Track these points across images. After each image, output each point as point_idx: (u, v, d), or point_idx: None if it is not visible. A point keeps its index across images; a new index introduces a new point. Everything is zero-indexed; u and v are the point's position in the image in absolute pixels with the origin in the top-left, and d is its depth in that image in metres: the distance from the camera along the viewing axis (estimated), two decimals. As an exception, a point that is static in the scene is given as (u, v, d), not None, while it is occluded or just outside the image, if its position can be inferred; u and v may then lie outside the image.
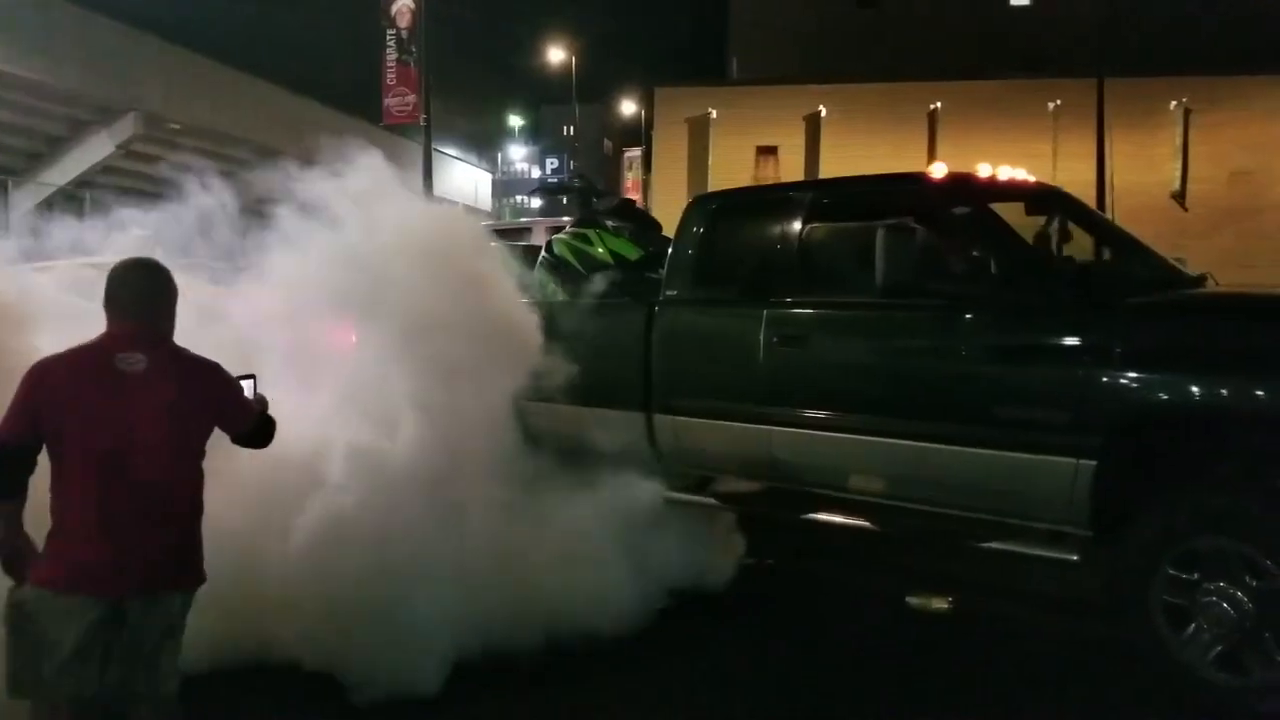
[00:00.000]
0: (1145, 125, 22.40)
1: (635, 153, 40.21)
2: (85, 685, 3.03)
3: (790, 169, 27.17)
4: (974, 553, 5.04)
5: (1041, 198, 5.87)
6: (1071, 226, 5.78)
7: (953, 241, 5.10)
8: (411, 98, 22.81)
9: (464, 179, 49.41)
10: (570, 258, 6.65)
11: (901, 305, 4.94)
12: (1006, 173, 5.47)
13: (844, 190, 5.99)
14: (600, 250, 6.64)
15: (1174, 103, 22.36)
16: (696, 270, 5.85)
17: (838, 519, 5.41)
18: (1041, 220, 5.87)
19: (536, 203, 69.09)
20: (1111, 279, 5.14)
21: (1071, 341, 4.57)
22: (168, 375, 3.15)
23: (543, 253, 6.91)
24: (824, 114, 26.44)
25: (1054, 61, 24.57)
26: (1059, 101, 22.44)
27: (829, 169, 26.72)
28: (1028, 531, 4.82)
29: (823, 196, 5.62)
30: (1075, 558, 4.66)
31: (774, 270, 5.55)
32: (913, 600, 5.81)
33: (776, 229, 5.59)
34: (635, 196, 37.76)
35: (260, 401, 3.52)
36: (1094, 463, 4.42)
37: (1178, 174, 21.64)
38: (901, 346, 5.09)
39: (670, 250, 6.02)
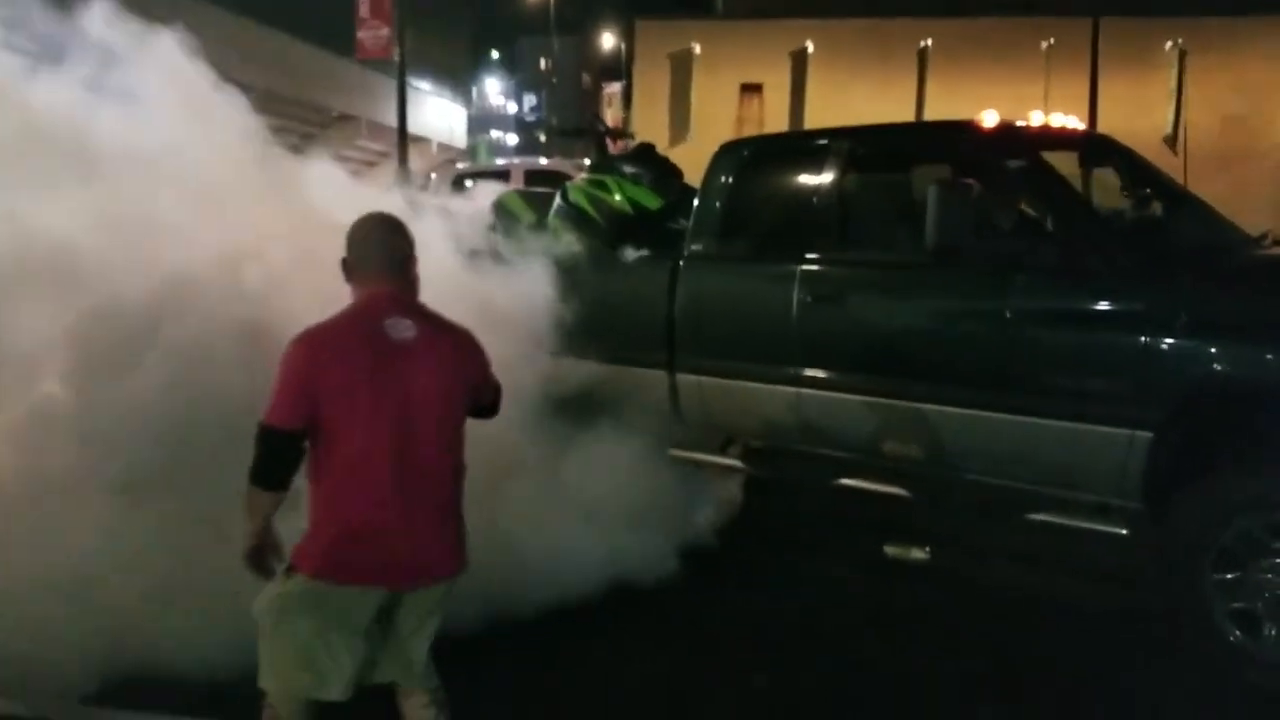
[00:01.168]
0: (1139, 67, 22.11)
1: (615, 88, 39.60)
2: (349, 679, 2.82)
3: (775, 108, 26.72)
4: (1015, 524, 4.87)
5: (1095, 148, 5.59)
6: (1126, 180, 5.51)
7: (1005, 197, 4.83)
8: (385, 31, 22.13)
9: (438, 114, 48.38)
10: (586, 206, 6.33)
11: (949, 266, 4.69)
12: (1059, 120, 5.19)
13: (886, 138, 5.68)
14: (618, 199, 6.32)
15: (1169, 44, 22.04)
16: (725, 224, 5.56)
17: (869, 486, 5.21)
18: (1093, 172, 5.61)
19: (513, 139, 68.12)
20: (1171, 239, 4.90)
21: (1131, 308, 4.34)
22: (435, 343, 2.85)
23: (557, 200, 6.59)
24: (811, 50, 25.92)
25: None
26: (1052, 41, 22.09)
27: (815, 108, 26.31)
28: (1074, 504, 4.64)
29: (863, 145, 5.32)
30: (1125, 532, 4.49)
31: (809, 224, 5.27)
32: (890, 550, 5.62)
33: (812, 180, 5.30)
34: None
35: None
36: (1150, 435, 4.23)
37: (1171, 118, 21.38)
38: (948, 309, 4.83)
39: (697, 202, 5.72)
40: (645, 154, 6.84)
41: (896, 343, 4.94)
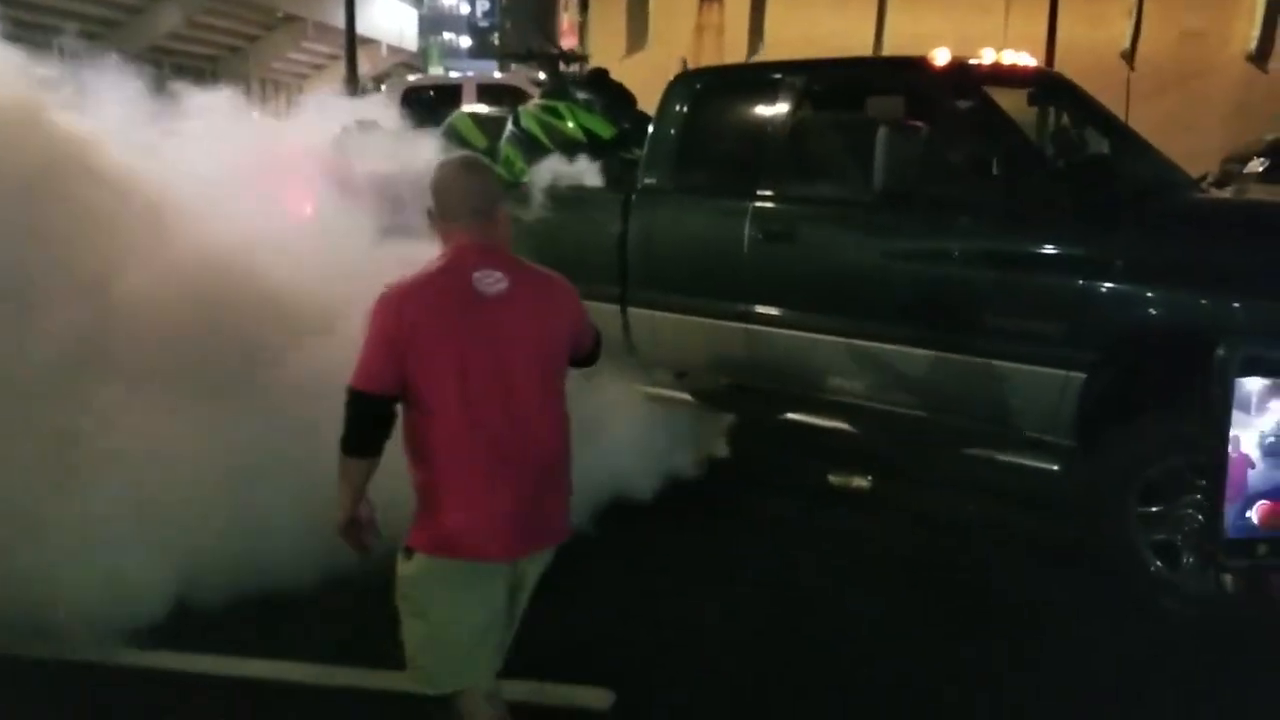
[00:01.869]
0: (1097, -20, 22.02)
1: (571, -8, 38.61)
2: (489, 663, 2.71)
3: (735, 17, 26.34)
4: (954, 457, 5.05)
5: (1046, 87, 5.64)
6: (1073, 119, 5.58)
7: (952, 137, 4.89)
8: (335, -68, 21.43)
9: (388, 16, 47.12)
10: (539, 133, 6.29)
11: (896, 207, 4.76)
12: (1010, 57, 5.23)
13: (839, 73, 5.68)
14: (571, 125, 6.29)
15: (1129, -44, 21.91)
16: (677, 157, 5.56)
17: (816, 421, 5.35)
18: (1043, 110, 5.67)
19: (466, 41, 66.59)
20: (1113, 182, 5.00)
21: (1068, 251, 4.45)
22: (529, 294, 2.65)
23: (509, 125, 6.54)
24: (772, -42, 25.52)
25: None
26: (1013, -47, 21.88)
27: (775, 17, 25.99)
28: (1010, 439, 4.81)
29: (816, 80, 5.32)
30: (1056, 467, 4.67)
31: (761, 160, 5.29)
32: (833, 479, 5.82)
33: (765, 114, 5.30)
34: (571, 40, 36.32)
35: None
36: (1084, 376, 4.38)
37: (1129, 32, 21.35)
38: (894, 249, 4.91)
39: (649, 134, 5.71)
40: (599, 80, 6.78)
41: (845, 281, 5.02)
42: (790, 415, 5.37)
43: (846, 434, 5.24)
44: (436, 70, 53.79)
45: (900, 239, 4.87)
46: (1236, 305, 4.05)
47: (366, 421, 2.58)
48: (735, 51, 26.27)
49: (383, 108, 7.79)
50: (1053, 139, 5.51)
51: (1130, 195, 4.73)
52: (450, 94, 12.95)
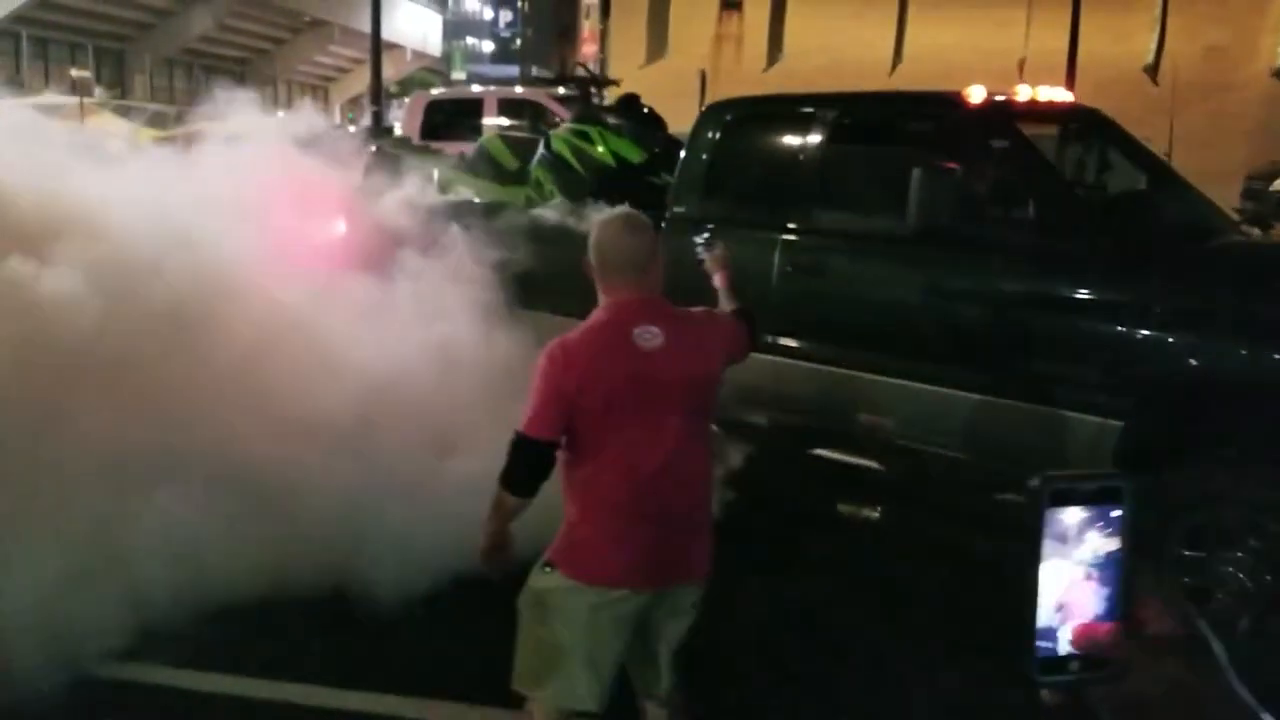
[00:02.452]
0: (1121, -5, 21.82)
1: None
2: (600, 689, 2.80)
3: (754, 26, 26.22)
4: (988, 502, 4.93)
5: (1082, 123, 5.51)
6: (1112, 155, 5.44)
7: (987, 176, 4.78)
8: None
9: (412, 22, 47.22)
10: (569, 157, 6.24)
11: (930, 244, 4.65)
12: (1046, 94, 5.10)
13: (872, 108, 5.57)
14: (601, 150, 6.23)
15: (1153, -29, 21.73)
16: (708, 186, 5.47)
17: (843, 457, 5.25)
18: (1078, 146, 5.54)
19: (489, 46, 66.65)
20: (1150, 223, 4.87)
21: (1105, 296, 4.33)
22: (682, 346, 2.82)
23: (540, 149, 6.49)
24: (793, -33, 25.42)
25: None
26: (1035, -36, 21.71)
27: (794, 27, 25.86)
28: None
29: (848, 114, 5.22)
30: None
31: (792, 192, 5.20)
32: (842, 508, 5.71)
33: (796, 146, 5.20)
34: (592, 46, 36.32)
35: None
36: (1120, 424, 4.26)
37: (1153, 46, 21.16)
38: (927, 287, 4.81)
39: (680, 162, 5.62)
40: (629, 104, 6.74)
41: (875, 318, 4.92)
42: (817, 450, 5.27)
43: (873, 471, 5.13)
44: (459, 75, 54.06)
45: (932, 278, 4.76)
46: (1276, 356, 3.93)
47: (529, 465, 2.77)
48: (754, 61, 26.19)
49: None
50: (1088, 176, 5.38)
51: (1168, 238, 4.60)
52: (472, 107, 12.90)
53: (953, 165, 4.43)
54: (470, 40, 63.78)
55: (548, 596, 2.82)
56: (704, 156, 5.51)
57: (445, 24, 55.20)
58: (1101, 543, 0.92)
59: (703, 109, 5.64)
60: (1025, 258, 4.51)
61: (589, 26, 36.72)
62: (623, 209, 3.11)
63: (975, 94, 4.76)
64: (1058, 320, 4.41)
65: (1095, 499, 0.92)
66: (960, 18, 23.42)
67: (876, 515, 5.70)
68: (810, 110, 5.26)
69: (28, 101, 26.13)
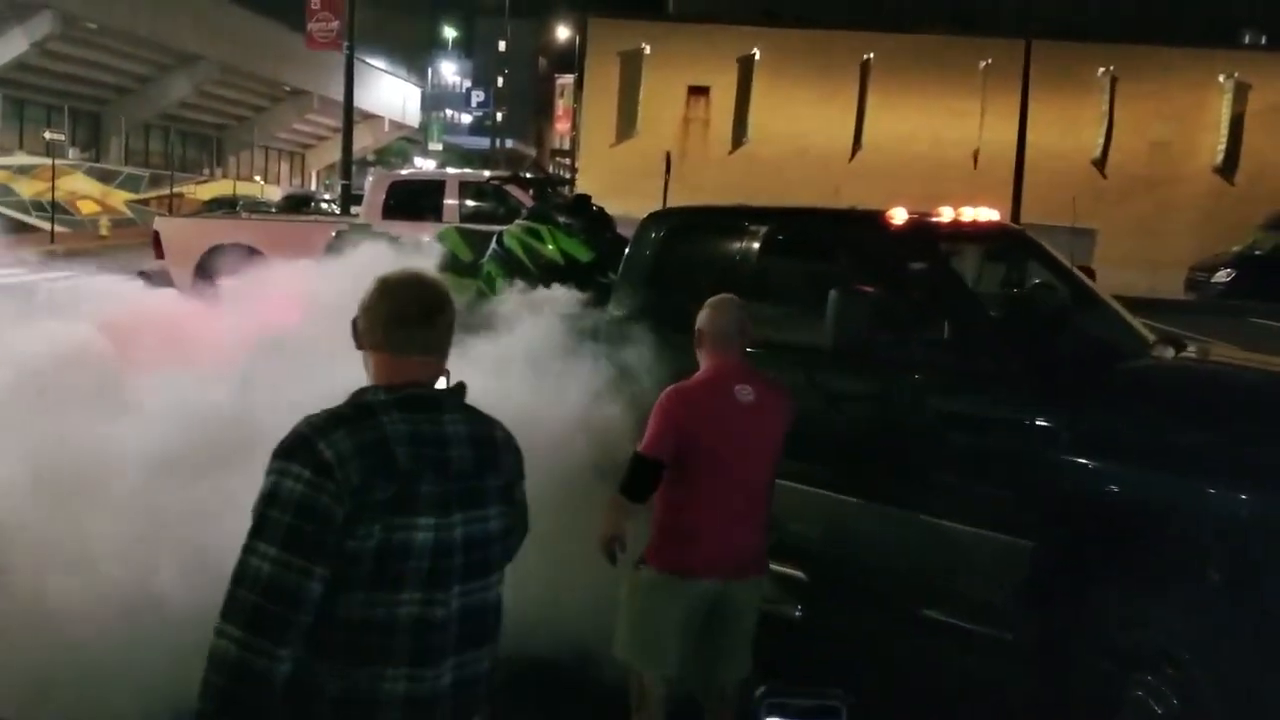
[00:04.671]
0: (1070, 89, 22.26)
1: (568, 79, 39.09)
2: (679, 658, 3.46)
3: (721, 111, 26.58)
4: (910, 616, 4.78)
5: (1005, 242, 5.49)
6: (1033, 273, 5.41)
7: (907, 294, 4.72)
8: (335, 23, 21.44)
9: (392, 93, 47.58)
10: (520, 253, 6.18)
11: (849, 361, 4.58)
12: (970, 213, 5.07)
13: (802, 225, 5.52)
14: (551, 248, 6.16)
15: (1101, 69, 22.23)
16: (645, 294, 5.40)
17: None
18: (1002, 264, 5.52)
19: (466, 118, 67.23)
20: (1068, 344, 4.82)
21: (1016, 416, 4.25)
22: (769, 406, 3.52)
23: (493, 244, 6.45)
24: (758, 57, 25.82)
25: (985, 19, 24.29)
26: (990, 60, 22.16)
27: (759, 111, 26.24)
28: (961, 601, 4.56)
29: (780, 229, 5.16)
30: (1010, 636, 4.41)
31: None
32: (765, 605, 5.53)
33: (730, 258, 5.14)
34: (565, 124, 36.89)
35: None
36: (1030, 544, 4.16)
37: (1100, 141, 21.59)
38: (848, 401, 4.73)
39: (621, 267, 5.55)
40: (580, 205, 6.74)
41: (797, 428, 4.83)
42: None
43: (787, 578, 4.98)
44: (436, 145, 54.44)
45: (852, 392, 4.67)
46: (1186, 482, 3.84)
47: (643, 478, 3.46)
48: (720, 143, 26.52)
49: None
50: (1010, 296, 5.34)
51: (1083, 359, 4.54)
52: (434, 189, 12.92)
53: (866, 289, 4.36)
54: (449, 112, 64.30)
55: (641, 587, 3.49)
56: (643, 263, 5.43)
57: (424, 96, 55.66)
58: None
59: (645, 218, 5.58)
60: (939, 377, 4.43)
61: (563, 105, 37.17)
62: (725, 296, 3.68)
63: (898, 215, 4.72)
64: (970, 438, 4.33)
65: (811, 714, 0.91)
66: (918, 107, 23.85)
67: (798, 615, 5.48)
68: (745, 223, 5.20)
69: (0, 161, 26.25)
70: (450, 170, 17.77)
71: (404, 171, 19.99)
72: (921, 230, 4.81)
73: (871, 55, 23.90)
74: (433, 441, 1.90)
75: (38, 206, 25.24)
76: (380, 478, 1.80)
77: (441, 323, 1.99)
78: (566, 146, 37.95)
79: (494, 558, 1.99)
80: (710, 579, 3.51)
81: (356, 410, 1.88)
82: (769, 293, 5.08)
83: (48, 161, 25.02)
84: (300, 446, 1.80)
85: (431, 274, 2.43)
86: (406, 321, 1.95)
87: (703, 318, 3.63)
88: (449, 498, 1.89)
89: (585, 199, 6.91)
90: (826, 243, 5.10)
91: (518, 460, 2.11)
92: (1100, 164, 21.54)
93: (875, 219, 4.80)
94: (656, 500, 3.51)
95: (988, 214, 5.10)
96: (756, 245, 5.03)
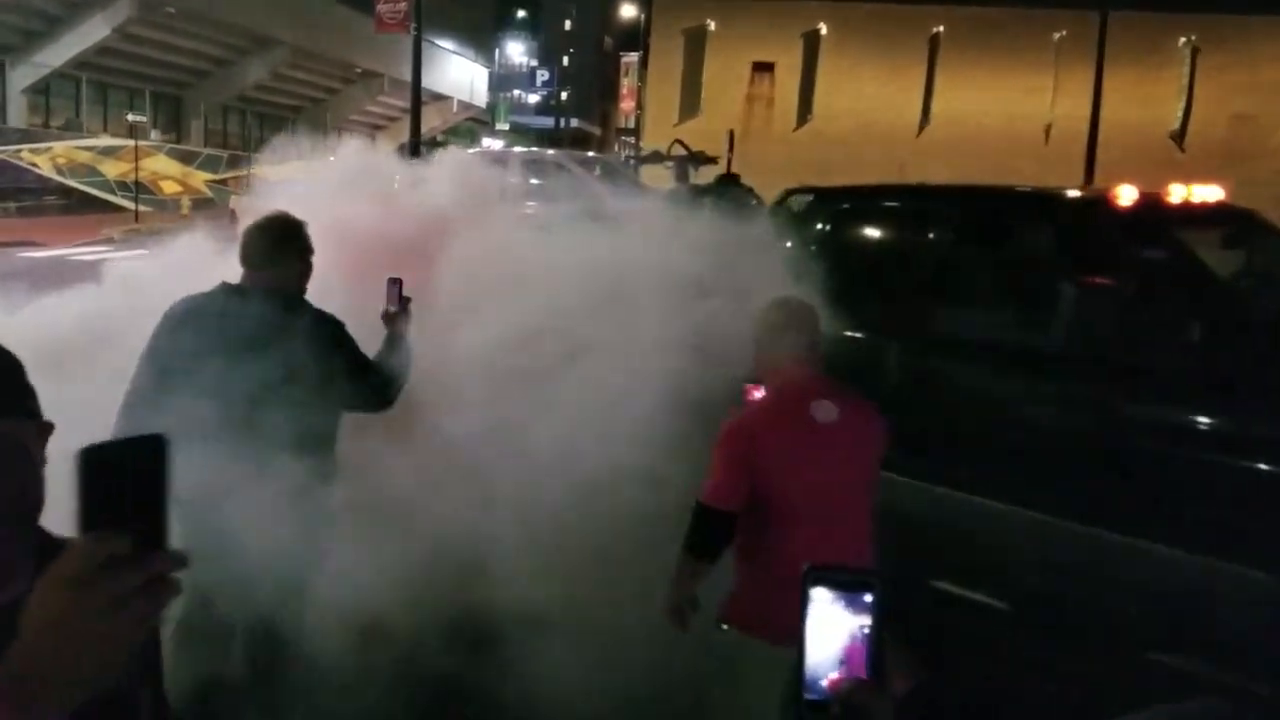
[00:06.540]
0: (1148, 62, 20.90)
1: (633, 58, 38.04)
2: None
3: (785, 88, 25.53)
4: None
5: (1238, 225, 4.49)
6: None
7: (1140, 289, 3.80)
8: (403, 5, 20.79)
9: (460, 74, 46.82)
10: None
11: (1071, 363, 3.69)
12: (1200, 193, 4.12)
13: (1004, 205, 4.56)
14: None
15: (1182, 39, 20.80)
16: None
17: (964, 593, 4.27)
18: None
19: (533, 98, 66.07)
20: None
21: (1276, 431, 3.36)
22: (856, 423, 2.76)
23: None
24: (823, 32, 24.67)
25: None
26: (1064, 33, 20.84)
27: (825, 89, 25.10)
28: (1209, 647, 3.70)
29: (976, 209, 4.26)
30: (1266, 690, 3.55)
31: (909, 294, 4.24)
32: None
33: (910, 243, 4.27)
34: (630, 103, 35.81)
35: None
36: None
37: (1179, 114, 20.20)
38: (1076, 413, 3.82)
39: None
40: (729, 183, 6.07)
41: (997, 433, 3.95)
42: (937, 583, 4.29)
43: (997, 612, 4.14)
44: (503, 125, 53.59)
45: (1069, 400, 3.77)
46: None
47: (711, 533, 2.77)
48: (784, 120, 25.50)
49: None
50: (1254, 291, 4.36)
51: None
52: (498, 164, 12.66)
53: (1107, 283, 3.46)
54: (515, 92, 63.21)
55: (730, 651, 2.83)
56: (809, 249, 4.55)
57: (491, 76, 54.76)
58: (857, 619, 1.04)
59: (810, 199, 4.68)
60: (1184, 385, 3.52)
61: (627, 84, 36.16)
62: (790, 296, 2.98)
63: (1125, 195, 3.78)
64: (1231, 459, 3.43)
65: (849, 586, 1.03)
66: (987, 83, 22.59)
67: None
68: (924, 205, 4.30)
69: (85, 143, 25.90)
70: (517, 148, 17.08)
71: (475, 149, 19.38)
72: (1155, 212, 3.87)
73: (940, 29, 22.66)
74: None
75: (122, 186, 25.14)
76: None
77: None
78: (631, 125, 36.94)
79: None
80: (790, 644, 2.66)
81: None
82: (959, 285, 4.19)
83: (131, 143, 24.73)
84: None
85: None
86: None
87: (762, 322, 2.84)
88: None
89: (732, 177, 6.28)
90: (1036, 228, 4.15)
91: None
92: (1179, 137, 20.15)
93: (1098, 201, 3.86)
94: (736, 549, 2.80)
95: (1216, 192, 4.15)
96: (942, 231, 4.13)
